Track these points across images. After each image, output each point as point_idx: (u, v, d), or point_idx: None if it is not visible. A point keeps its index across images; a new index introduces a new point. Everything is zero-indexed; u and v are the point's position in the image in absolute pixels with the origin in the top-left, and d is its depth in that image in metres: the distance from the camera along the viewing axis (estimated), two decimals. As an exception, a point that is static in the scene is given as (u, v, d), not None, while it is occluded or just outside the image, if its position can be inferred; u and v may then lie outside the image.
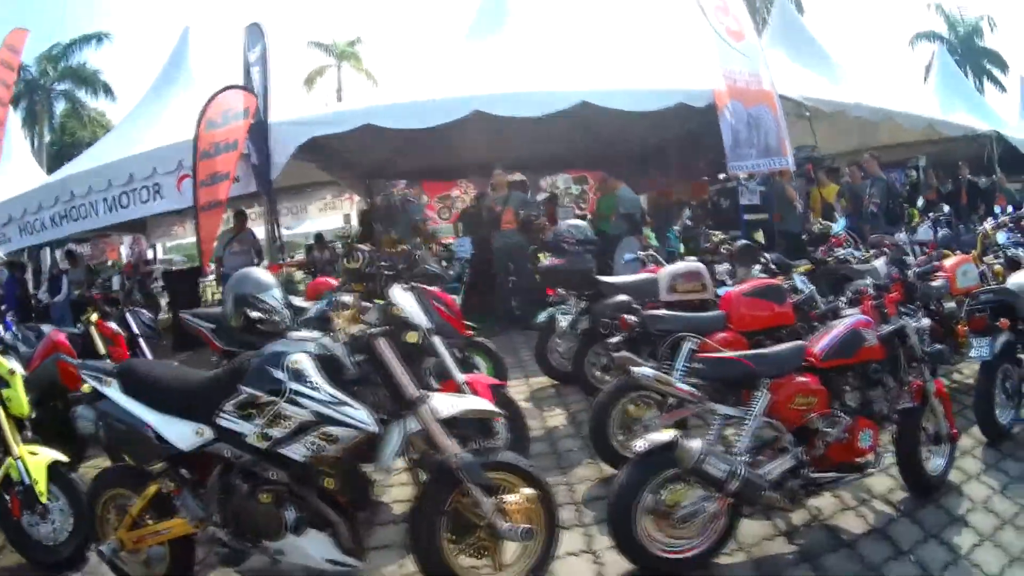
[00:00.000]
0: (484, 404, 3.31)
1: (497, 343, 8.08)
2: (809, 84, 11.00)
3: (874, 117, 10.82)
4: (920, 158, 12.88)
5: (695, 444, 3.04)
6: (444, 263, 9.09)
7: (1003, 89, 31.81)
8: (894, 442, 3.89)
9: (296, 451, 2.78)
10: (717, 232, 6.93)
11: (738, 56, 9.20)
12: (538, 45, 10.21)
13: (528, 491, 2.94)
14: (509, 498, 2.92)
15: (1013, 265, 6.49)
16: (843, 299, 4.53)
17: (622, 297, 5.35)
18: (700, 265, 5.85)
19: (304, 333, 3.13)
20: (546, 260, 6.47)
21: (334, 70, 33.67)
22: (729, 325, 4.72)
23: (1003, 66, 33.07)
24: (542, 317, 6.18)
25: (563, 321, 5.71)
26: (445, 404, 2.99)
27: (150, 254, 18.47)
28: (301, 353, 2.88)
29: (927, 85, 16.03)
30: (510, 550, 3.01)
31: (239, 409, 2.83)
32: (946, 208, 9.08)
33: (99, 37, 26.43)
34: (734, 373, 3.39)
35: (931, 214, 8.60)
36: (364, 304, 3.55)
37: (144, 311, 6.71)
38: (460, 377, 4.03)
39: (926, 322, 3.94)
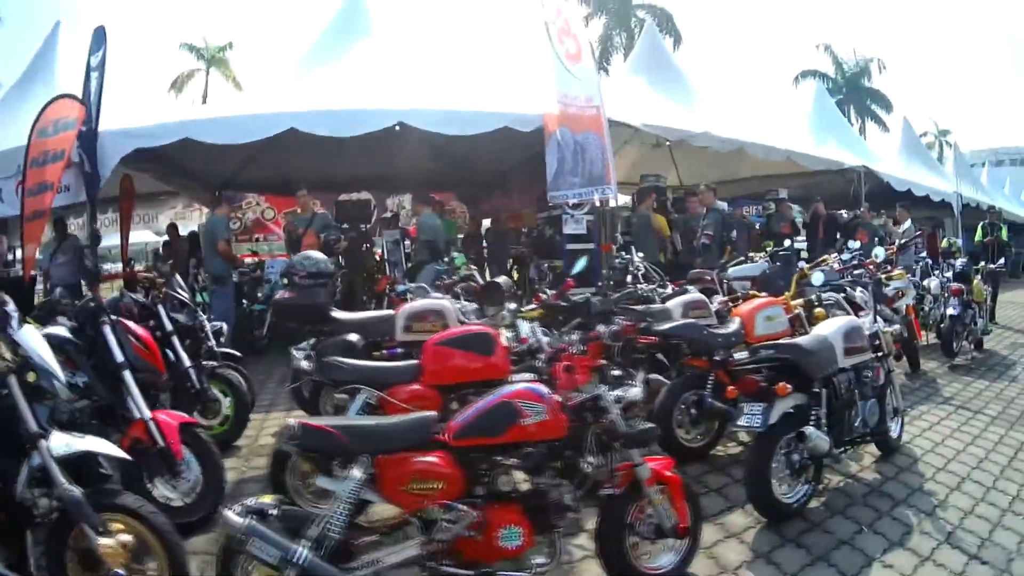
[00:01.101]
0: (103, 446, 3.21)
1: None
2: (665, 113, 10.54)
3: (722, 147, 10.30)
4: (780, 191, 12.47)
5: (239, 522, 2.62)
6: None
7: (886, 129, 32.81)
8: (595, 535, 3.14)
9: None
10: (473, 267, 6.16)
11: (573, 80, 8.59)
12: (371, 64, 9.76)
13: (125, 537, 2.94)
14: (105, 541, 2.88)
15: (855, 308, 5.81)
16: (539, 358, 3.76)
17: (352, 336, 4.89)
18: (444, 303, 5.37)
19: None
20: (279, 293, 5.85)
21: (204, 74, 32.67)
22: (423, 377, 4.04)
23: (888, 106, 34.15)
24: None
25: (299, 357, 5.07)
26: (61, 442, 3.02)
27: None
28: None
29: (801, 120, 15.94)
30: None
31: None
32: (787, 243, 8.45)
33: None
34: (325, 445, 2.80)
35: (767, 249, 7.94)
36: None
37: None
38: (146, 414, 3.91)
39: (635, 392, 3.09)
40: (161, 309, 5.29)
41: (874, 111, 34.26)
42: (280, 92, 9.42)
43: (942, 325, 8.45)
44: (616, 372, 3.65)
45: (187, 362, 5.12)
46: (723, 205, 9.16)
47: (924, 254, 10.13)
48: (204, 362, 5.39)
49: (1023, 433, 6.01)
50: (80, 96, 8.31)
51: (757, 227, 11.81)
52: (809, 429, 3.91)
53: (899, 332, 5.48)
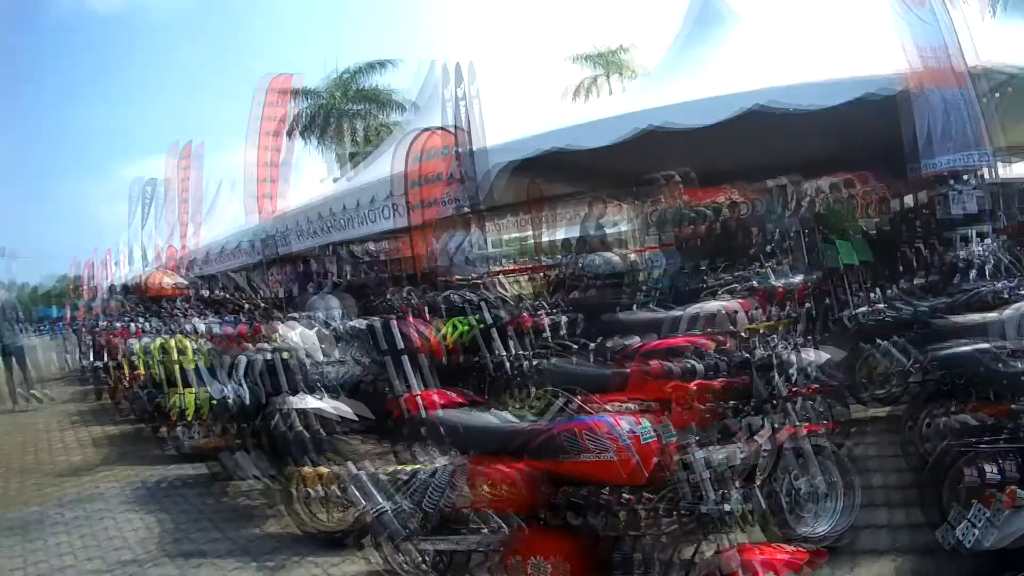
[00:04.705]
0: (333, 405, 4.77)
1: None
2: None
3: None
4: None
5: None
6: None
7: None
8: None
9: None
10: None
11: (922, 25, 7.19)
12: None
13: (323, 469, 4.23)
14: (306, 469, 4.29)
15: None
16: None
17: None
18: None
19: None
20: None
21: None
22: None
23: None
24: None
25: None
26: (298, 399, 4.64)
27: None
28: None
29: None
30: None
31: None
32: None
33: (384, 63, 27.46)
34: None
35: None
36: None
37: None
38: (414, 389, 5.08)
39: (728, 454, 2.57)
40: (483, 305, 6.51)
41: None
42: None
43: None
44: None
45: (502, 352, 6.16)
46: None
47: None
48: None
49: None
50: (448, 126, 9.58)
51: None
52: None
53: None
